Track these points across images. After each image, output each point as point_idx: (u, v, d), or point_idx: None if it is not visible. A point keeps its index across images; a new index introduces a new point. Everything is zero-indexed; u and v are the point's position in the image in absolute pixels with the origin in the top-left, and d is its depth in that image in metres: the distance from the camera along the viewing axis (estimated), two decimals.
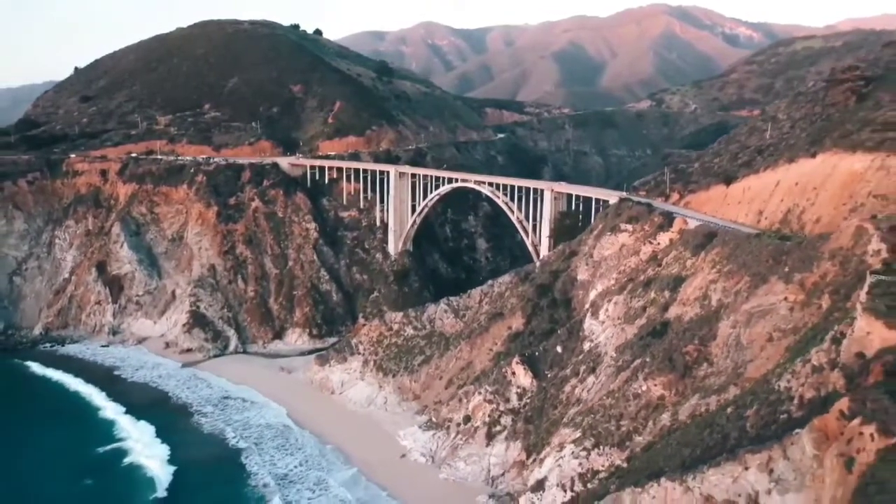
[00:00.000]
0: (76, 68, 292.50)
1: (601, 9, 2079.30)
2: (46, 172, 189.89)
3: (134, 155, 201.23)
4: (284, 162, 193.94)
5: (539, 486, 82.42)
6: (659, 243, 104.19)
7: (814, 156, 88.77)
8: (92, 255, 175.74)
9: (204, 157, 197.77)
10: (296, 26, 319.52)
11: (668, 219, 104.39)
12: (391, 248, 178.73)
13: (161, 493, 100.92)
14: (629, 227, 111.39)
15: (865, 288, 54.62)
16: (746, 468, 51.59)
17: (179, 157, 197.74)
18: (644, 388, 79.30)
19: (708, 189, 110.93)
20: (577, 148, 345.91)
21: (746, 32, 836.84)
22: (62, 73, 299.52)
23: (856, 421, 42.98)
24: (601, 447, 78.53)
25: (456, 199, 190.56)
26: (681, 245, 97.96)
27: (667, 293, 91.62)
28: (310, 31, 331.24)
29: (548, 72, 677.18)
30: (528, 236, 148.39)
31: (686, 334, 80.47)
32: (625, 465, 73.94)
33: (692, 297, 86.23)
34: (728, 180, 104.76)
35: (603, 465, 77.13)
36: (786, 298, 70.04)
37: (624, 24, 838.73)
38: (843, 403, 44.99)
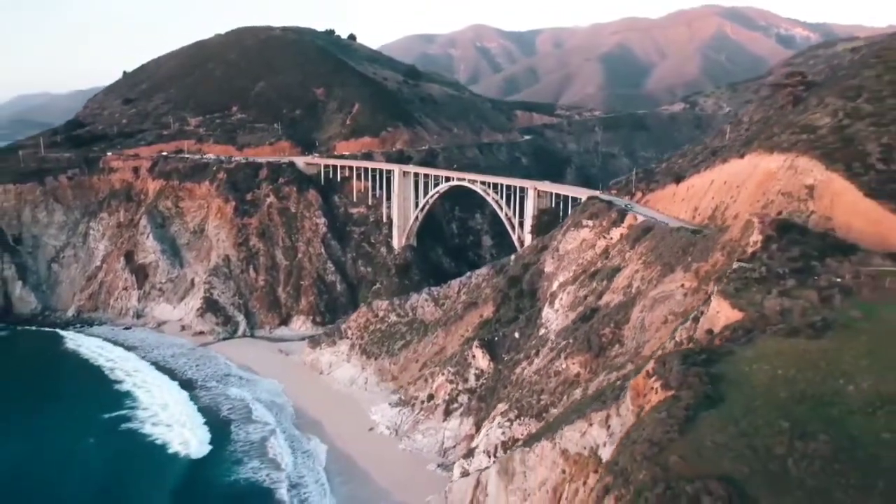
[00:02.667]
0: (124, 72, 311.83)
1: (653, 10, 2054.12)
2: (85, 169, 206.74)
3: (164, 153, 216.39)
4: (301, 161, 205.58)
5: (470, 453, 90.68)
6: (612, 238, 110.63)
7: (742, 156, 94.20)
8: (121, 245, 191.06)
9: (227, 155, 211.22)
10: (330, 31, 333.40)
11: (622, 215, 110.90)
12: (395, 243, 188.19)
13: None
14: (590, 222, 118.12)
15: (728, 273, 61.55)
16: (591, 424, 59.16)
17: (205, 156, 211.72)
18: (564, 366, 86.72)
19: (664, 188, 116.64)
20: (606, 150, 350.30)
21: (803, 33, 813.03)
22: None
23: (652, 378, 50.41)
24: (522, 418, 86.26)
25: (463, 197, 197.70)
26: (625, 239, 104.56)
27: (605, 282, 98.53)
28: (347, 36, 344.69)
29: (592, 74, 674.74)
30: (514, 231, 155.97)
31: (605, 318, 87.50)
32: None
33: (621, 285, 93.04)
34: (678, 179, 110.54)
35: (522, 434, 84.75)
36: (682, 285, 76.85)
37: (674, 26, 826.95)
38: (650, 366, 52.35)
